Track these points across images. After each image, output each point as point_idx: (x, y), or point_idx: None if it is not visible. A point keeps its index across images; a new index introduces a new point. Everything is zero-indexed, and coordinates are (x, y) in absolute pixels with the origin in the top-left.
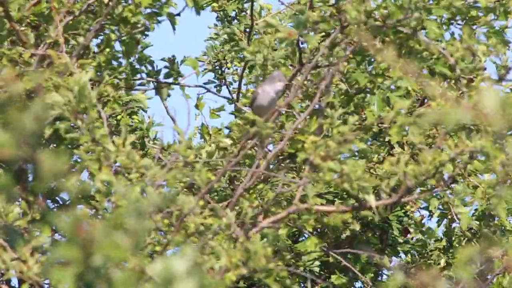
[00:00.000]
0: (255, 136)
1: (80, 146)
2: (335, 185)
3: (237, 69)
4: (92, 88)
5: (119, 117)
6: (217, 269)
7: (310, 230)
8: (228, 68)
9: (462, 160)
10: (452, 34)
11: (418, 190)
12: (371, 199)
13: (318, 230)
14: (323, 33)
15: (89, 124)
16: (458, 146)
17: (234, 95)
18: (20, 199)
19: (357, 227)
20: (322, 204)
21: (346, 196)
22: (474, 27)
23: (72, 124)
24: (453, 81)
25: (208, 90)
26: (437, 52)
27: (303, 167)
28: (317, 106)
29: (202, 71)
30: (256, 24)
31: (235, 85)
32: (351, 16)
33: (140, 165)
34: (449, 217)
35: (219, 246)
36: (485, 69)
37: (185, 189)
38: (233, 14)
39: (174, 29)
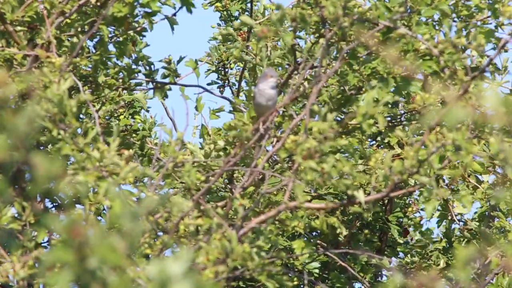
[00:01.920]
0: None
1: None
2: (334, 186)
3: (240, 69)
4: (87, 87)
5: (120, 117)
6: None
7: (301, 231)
8: (231, 69)
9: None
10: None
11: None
12: (360, 195)
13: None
14: (317, 34)
15: (71, 134)
16: (439, 140)
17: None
18: (15, 201)
19: (344, 231)
20: (310, 201)
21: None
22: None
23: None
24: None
25: (206, 90)
26: (419, 45)
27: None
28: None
29: (206, 71)
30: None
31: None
32: (329, 11)
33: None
34: (449, 218)
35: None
36: (483, 70)
37: (184, 190)
38: (236, 14)
39: (172, 29)
